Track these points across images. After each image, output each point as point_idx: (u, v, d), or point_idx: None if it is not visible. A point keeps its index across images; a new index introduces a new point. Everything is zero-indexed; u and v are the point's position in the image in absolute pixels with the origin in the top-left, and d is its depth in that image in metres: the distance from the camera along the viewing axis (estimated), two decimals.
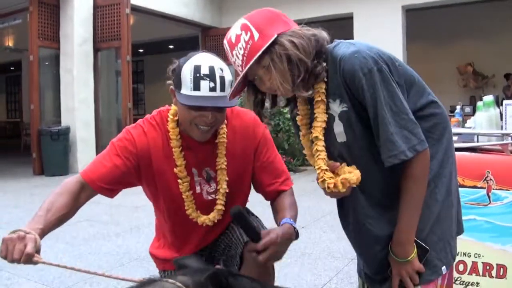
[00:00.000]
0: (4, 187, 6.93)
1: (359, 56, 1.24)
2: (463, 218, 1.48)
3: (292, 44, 1.25)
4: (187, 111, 1.55)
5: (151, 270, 1.96)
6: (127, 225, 4.52)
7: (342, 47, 1.29)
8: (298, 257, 3.38)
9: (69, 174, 7.71)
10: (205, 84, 1.50)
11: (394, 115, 1.23)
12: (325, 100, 1.32)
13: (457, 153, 1.44)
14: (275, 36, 1.25)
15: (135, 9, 9.00)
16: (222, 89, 1.52)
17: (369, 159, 1.31)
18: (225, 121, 1.69)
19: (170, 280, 1.09)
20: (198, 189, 1.71)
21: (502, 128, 2.42)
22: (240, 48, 1.28)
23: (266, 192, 1.76)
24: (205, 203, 1.72)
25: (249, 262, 1.58)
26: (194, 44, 11.48)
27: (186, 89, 1.52)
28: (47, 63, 8.77)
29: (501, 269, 2.05)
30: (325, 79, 1.31)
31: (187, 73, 1.52)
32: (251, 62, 1.25)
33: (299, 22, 1.35)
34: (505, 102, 2.45)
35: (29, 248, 1.31)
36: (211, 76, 1.51)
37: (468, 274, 2.11)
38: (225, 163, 1.68)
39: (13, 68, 18.23)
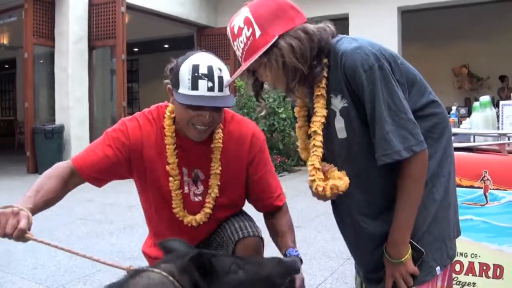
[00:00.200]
0: None
1: (361, 52, 1.23)
2: (460, 218, 1.47)
3: (290, 48, 1.24)
4: (185, 110, 1.54)
5: None
6: (121, 224, 4.51)
7: (345, 42, 1.28)
8: None
9: None
10: (203, 84, 1.49)
11: (392, 114, 1.21)
12: (325, 95, 1.31)
13: (455, 153, 1.44)
14: (276, 38, 1.24)
15: (131, 8, 8.96)
16: (220, 89, 1.51)
17: (368, 157, 1.30)
18: (221, 125, 1.68)
19: (156, 270, 1.09)
20: (186, 189, 1.71)
21: (498, 129, 2.42)
22: (241, 42, 1.29)
23: (260, 205, 1.79)
24: (192, 204, 1.72)
25: None
26: (189, 44, 11.48)
27: (184, 88, 1.51)
28: (41, 61, 8.72)
29: (498, 269, 2.05)
30: (326, 74, 1.31)
31: (185, 73, 1.51)
32: (249, 62, 1.26)
33: None
34: (501, 102, 2.45)
35: (23, 224, 1.31)
36: (209, 76, 1.50)
37: (465, 274, 2.11)
38: (220, 169, 1.68)
39: (7, 66, 18.10)
